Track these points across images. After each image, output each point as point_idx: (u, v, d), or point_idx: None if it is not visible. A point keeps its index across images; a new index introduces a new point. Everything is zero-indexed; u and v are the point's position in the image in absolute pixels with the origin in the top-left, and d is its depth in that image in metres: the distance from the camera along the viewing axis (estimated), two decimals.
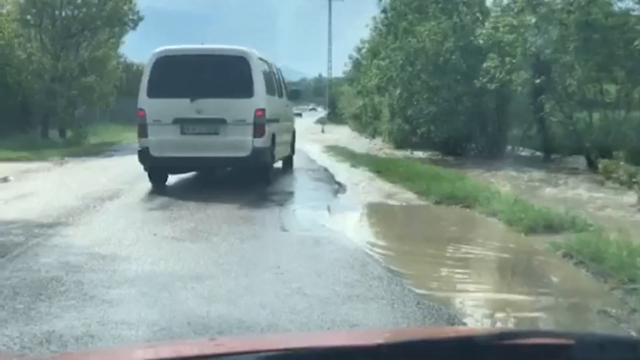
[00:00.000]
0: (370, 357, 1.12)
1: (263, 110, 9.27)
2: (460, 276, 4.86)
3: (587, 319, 3.90)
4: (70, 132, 20.87)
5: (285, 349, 1.15)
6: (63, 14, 21.00)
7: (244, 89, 9.18)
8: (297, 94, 13.61)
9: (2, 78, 19.55)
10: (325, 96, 64.65)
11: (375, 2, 16.75)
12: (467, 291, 4.50)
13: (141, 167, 9.43)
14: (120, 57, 25.24)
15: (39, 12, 20.57)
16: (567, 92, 12.17)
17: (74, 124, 21.23)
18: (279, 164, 11.21)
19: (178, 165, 9.50)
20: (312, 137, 24.43)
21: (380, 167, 11.77)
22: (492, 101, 13.94)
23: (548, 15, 11.74)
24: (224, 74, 9.28)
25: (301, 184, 10.64)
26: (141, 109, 9.31)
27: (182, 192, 9.06)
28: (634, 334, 3.55)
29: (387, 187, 9.71)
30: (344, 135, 27.44)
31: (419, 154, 15.82)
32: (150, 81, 9.30)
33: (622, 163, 9.90)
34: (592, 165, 11.38)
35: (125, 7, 21.50)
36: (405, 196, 8.77)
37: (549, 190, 9.21)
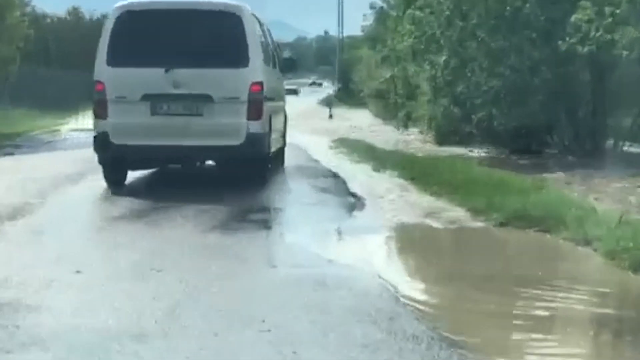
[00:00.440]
0: None
1: (260, 84, 9.93)
2: (544, 344, 4.79)
3: None
4: None
5: None
6: None
7: (236, 56, 9.82)
8: (292, 64, 14.29)
9: None
10: (334, 64, 64.79)
11: None
12: None
13: (60, 170, 9.69)
14: (26, 5, 25.35)
15: None
16: None
17: None
18: None
19: (147, 156, 10.21)
20: (315, 126, 24.48)
21: (415, 171, 11.80)
22: (584, 72, 13.92)
23: None
24: (210, 36, 9.94)
25: (298, 195, 10.63)
26: (99, 82, 9.90)
27: (128, 204, 9.14)
28: None
29: (427, 200, 9.70)
30: (362, 122, 27.47)
31: (475, 151, 15.82)
32: (111, 45, 9.89)
33: None
34: None
35: None
36: (454, 214, 8.76)
37: None
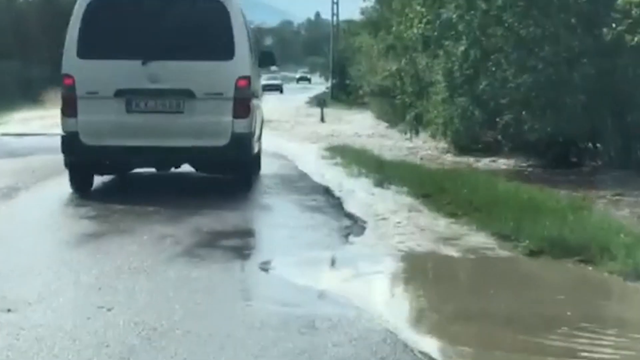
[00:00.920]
0: None
1: (248, 79, 10.76)
2: None
3: None
4: None
5: None
6: None
7: (221, 47, 10.64)
8: (271, 58, 14.86)
9: None
10: (327, 55, 64.99)
11: None
12: None
13: None
14: None
15: None
16: None
17: None
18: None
19: (121, 158, 11.01)
20: (304, 130, 24.51)
21: (427, 187, 11.82)
22: (634, 67, 13.96)
23: None
24: (191, 25, 10.69)
25: (282, 216, 10.64)
26: (67, 75, 10.62)
27: (72, 223, 9.17)
28: None
29: (442, 223, 9.72)
30: (361, 126, 27.51)
31: (500, 162, 15.83)
32: (81, 34, 10.60)
33: None
34: None
35: None
36: (475, 241, 8.77)
37: None
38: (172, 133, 10.48)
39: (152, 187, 11.73)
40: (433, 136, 20.63)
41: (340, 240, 8.98)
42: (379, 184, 12.87)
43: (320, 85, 77.18)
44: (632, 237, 7.96)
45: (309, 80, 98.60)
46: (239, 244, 8.62)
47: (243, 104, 10.65)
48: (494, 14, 14.59)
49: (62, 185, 11.14)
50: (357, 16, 46.70)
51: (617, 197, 11.25)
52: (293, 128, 24.99)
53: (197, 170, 12.02)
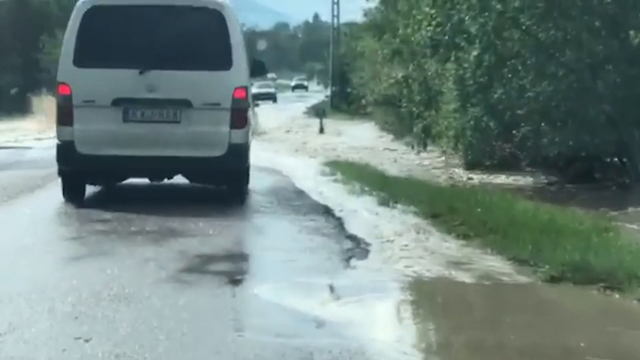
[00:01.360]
0: None
1: (245, 89, 11.51)
2: None
3: None
4: None
5: None
6: None
7: (219, 57, 11.34)
8: (261, 68, 15.39)
9: None
10: (328, 61, 65.10)
11: None
12: None
13: None
14: None
15: None
16: None
17: None
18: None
19: (117, 168, 11.57)
20: (301, 143, 24.52)
21: (437, 207, 11.86)
22: None
23: None
24: (189, 34, 11.39)
25: (276, 238, 10.66)
26: (63, 83, 11.30)
27: (49, 241, 9.18)
28: None
29: (453, 246, 9.73)
30: (364, 138, 27.56)
31: (517, 179, 15.84)
32: (78, 42, 11.27)
33: None
34: None
35: None
36: (490, 265, 8.78)
37: None
38: (169, 143, 11.18)
39: (137, 203, 11.74)
40: (443, 150, 20.67)
41: (341, 265, 8.99)
42: (384, 202, 12.88)
43: (318, 93, 77.34)
44: None
45: (305, 88, 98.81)
46: (231, 269, 8.62)
47: (240, 115, 11.36)
48: (510, 15, 14.62)
49: (36, 204, 11.30)
50: (359, 18, 46.83)
51: None
52: (288, 140, 25.03)
53: (190, 181, 12.55)
